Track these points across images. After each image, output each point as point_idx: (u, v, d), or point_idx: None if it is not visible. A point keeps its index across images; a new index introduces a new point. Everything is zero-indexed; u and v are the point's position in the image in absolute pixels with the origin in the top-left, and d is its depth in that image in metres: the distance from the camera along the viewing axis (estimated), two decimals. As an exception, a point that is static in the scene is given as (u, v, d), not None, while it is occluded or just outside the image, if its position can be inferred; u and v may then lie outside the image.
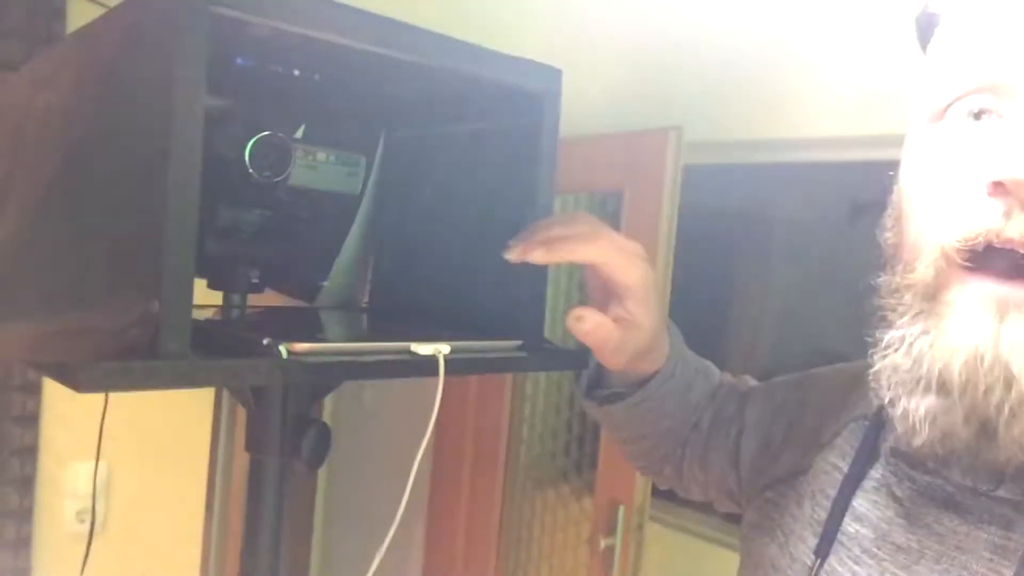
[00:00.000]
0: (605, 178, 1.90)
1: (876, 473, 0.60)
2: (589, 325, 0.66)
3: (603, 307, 0.68)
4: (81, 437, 1.69)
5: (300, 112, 0.79)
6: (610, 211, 1.98)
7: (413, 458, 0.53)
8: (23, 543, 1.74)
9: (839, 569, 0.59)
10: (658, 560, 1.97)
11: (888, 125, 1.66)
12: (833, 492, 0.62)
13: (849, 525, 0.59)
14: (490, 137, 0.73)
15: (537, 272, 0.69)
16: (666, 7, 1.93)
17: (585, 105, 1.83)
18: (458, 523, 2.26)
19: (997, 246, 0.47)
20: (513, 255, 0.65)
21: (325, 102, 0.78)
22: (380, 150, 0.82)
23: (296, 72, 0.74)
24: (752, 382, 0.84)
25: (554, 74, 0.68)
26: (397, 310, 0.81)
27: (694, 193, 1.88)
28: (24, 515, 1.73)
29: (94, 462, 1.73)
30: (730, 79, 1.82)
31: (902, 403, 0.51)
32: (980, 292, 0.48)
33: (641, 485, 1.83)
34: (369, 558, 0.54)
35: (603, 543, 1.86)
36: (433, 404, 0.53)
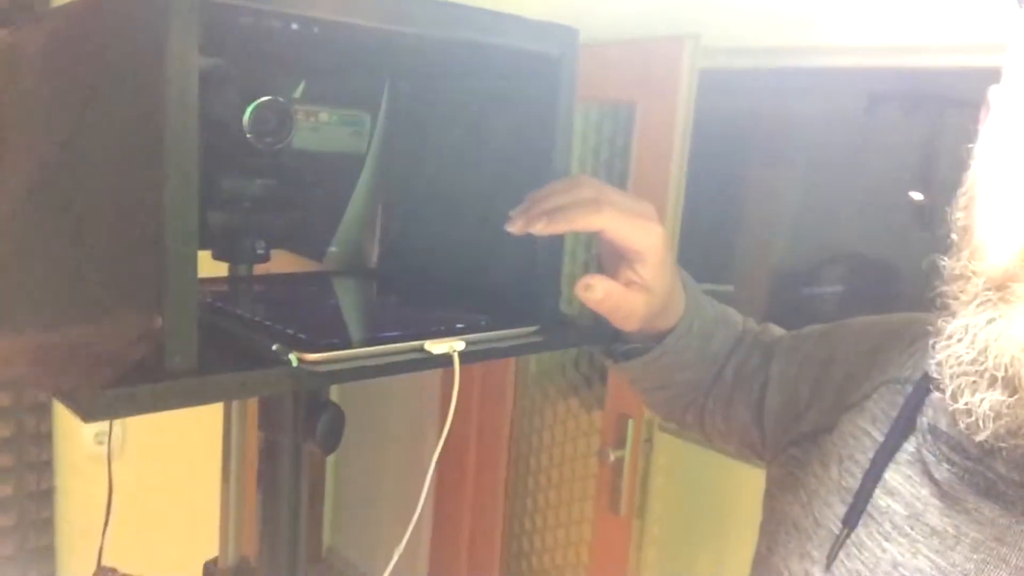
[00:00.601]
0: (617, 89, 1.84)
1: (911, 447, 0.58)
2: (599, 293, 0.64)
3: (614, 272, 0.66)
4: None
5: (299, 70, 0.74)
6: (622, 122, 1.92)
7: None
8: (45, 466, 1.78)
9: (867, 543, 0.57)
10: (666, 468, 2.01)
11: (908, 33, 1.59)
12: (864, 460, 0.60)
13: (880, 498, 0.58)
14: (504, 98, 0.69)
15: (552, 240, 0.66)
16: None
17: (597, 10, 1.75)
18: (469, 435, 2.30)
19: None
20: (515, 228, 0.62)
21: (325, 58, 0.74)
22: (384, 102, 0.78)
23: (294, 26, 0.70)
24: (776, 331, 0.82)
25: (571, 35, 0.63)
26: (408, 274, 0.78)
27: (708, 97, 1.82)
28: (44, 439, 1.76)
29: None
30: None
31: (965, 397, 0.48)
32: None
33: (651, 400, 1.85)
34: (380, 524, 0.54)
35: (612, 456, 1.89)
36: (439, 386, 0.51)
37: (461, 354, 0.56)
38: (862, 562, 0.57)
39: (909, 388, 0.61)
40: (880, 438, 0.60)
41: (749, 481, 1.94)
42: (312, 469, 0.72)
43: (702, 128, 1.81)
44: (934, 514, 0.54)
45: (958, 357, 0.48)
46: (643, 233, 0.63)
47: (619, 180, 1.93)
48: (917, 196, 3.61)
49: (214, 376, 0.48)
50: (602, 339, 0.72)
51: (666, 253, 0.66)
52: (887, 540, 0.56)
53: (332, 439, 0.64)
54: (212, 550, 0.81)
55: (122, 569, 0.78)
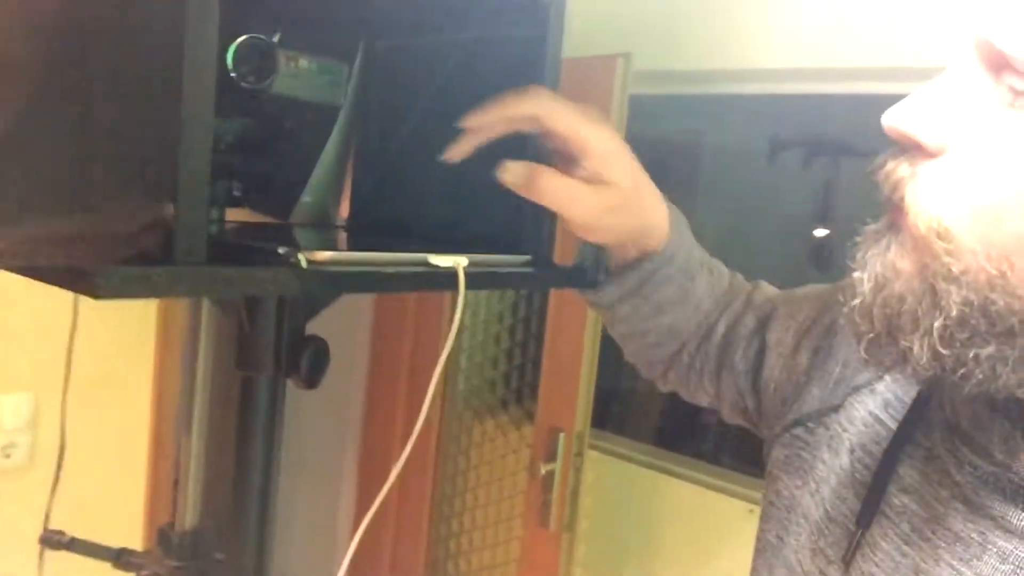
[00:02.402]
0: (550, 106, 1.88)
1: (927, 442, 0.54)
2: (515, 177, 0.60)
3: (562, 169, 0.62)
4: (3, 369, 1.60)
5: (278, 17, 0.74)
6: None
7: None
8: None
9: (883, 544, 0.54)
10: (595, 486, 2.02)
11: (832, 59, 1.70)
12: (877, 451, 0.57)
13: (895, 496, 0.54)
14: (488, 48, 0.70)
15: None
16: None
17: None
18: (392, 454, 2.27)
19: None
20: (456, 153, 0.63)
21: (305, 6, 0.74)
22: (359, 60, 0.78)
23: (276, -29, 0.70)
24: (769, 290, 0.79)
25: (561, -18, 0.66)
26: (376, 229, 0.78)
27: (638, 123, 1.88)
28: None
29: (17, 394, 1.65)
30: (680, 10, 1.82)
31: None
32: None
33: (582, 412, 1.86)
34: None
35: (543, 469, 1.89)
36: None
37: (466, 274, 0.56)
38: (876, 564, 0.54)
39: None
40: (893, 426, 0.57)
41: (678, 498, 1.98)
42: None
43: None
44: (956, 519, 0.50)
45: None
46: (585, 121, 0.61)
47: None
48: (820, 233, 3.79)
49: (224, 268, 0.47)
50: (594, 282, 0.72)
51: (620, 147, 0.63)
52: (906, 543, 0.52)
53: (317, 373, 0.63)
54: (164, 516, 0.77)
55: (69, 533, 0.74)
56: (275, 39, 0.75)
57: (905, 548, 0.52)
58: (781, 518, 0.64)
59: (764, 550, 0.65)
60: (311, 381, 0.63)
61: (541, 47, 0.66)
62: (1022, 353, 0.42)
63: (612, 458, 2.09)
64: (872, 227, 0.48)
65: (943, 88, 0.45)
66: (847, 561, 0.55)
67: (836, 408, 0.63)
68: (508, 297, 2.13)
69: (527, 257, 0.63)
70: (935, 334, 0.43)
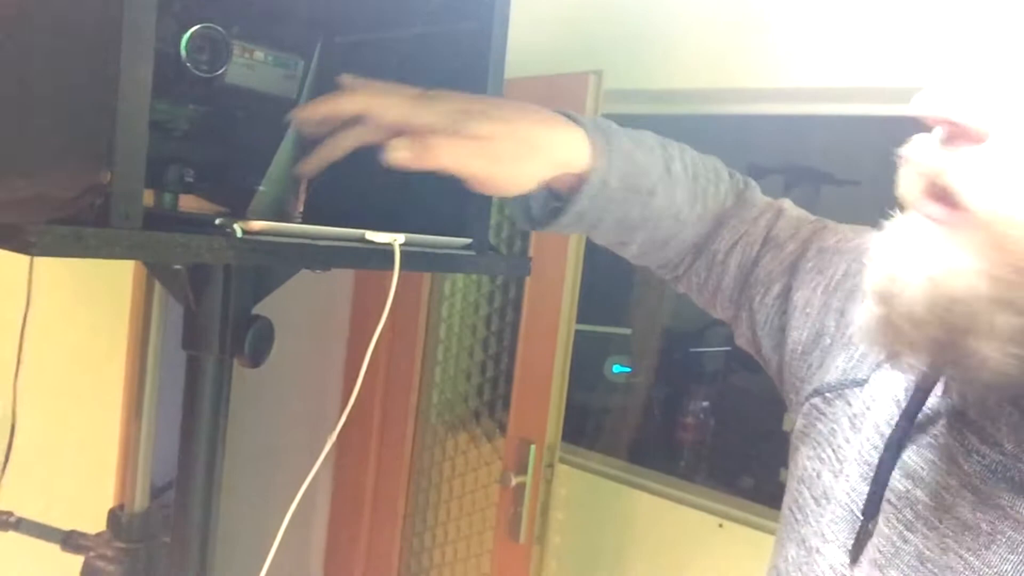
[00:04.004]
0: (524, 122, 1.91)
1: (934, 429, 0.52)
2: (435, 149, 0.59)
3: None
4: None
5: (236, 10, 0.76)
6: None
7: (322, 405, 0.52)
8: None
9: (884, 530, 0.52)
10: (565, 499, 2.02)
11: (809, 78, 1.73)
12: (880, 439, 0.55)
13: (899, 482, 0.52)
14: (436, 41, 0.73)
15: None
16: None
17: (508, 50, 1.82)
18: (367, 469, 2.26)
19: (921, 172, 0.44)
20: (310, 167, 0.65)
21: (263, 2, 0.76)
22: (316, 57, 0.80)
23: (234, -33, 0.72)
24: (795, 219, 0.74)
25: (504, -25, 0.68)
26: (334, 222, 0.79)
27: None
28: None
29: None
30: (652, 28, 1.85)
31: (855, 312, 0.48)
32: (919, 211, 0.45)
33: (553, 424, 1.87)
34: (274, 487, 0.54)
35: (514, 481, 1.89)
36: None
37: (402, 252, 0.57)
38: (879, 550, 0.52)
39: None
40: (895, 415, 0.55)
41: (650, 513, 1.98)
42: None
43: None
44: (965, 507, 0.49)
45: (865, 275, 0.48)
46: (416, 101, 0.62)
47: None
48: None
49: (159, 233, 0.49)
50: (526, 270, 0.74)
51: (471, 104, 0.62)
52: (910, 530, 0.51)
53: (261, 352, 0.64)
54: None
55: (18, 513, 0.75)
56: (233, 31, 0.77)
57: (908, 535, 0.51)
58: (795, 492, 0.62)
59: (783, 522, 0.63)
60: (255, 360, 0.64)
61: (487, 40, 0.68)
62: None
63: (585, 473, 2.10)
64: (904, 219, 0.46)
65: (978, 70, 0.42)
66: (855, 552, 0.54)
67: (860, 383, 0.60)
68: (481, 310, 2.14)
69: (467, 241, 0.64)
70: (1008, 334, 0.41)
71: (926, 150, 0.44)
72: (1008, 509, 0.47)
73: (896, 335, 0.45)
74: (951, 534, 0.49)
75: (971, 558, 0.47)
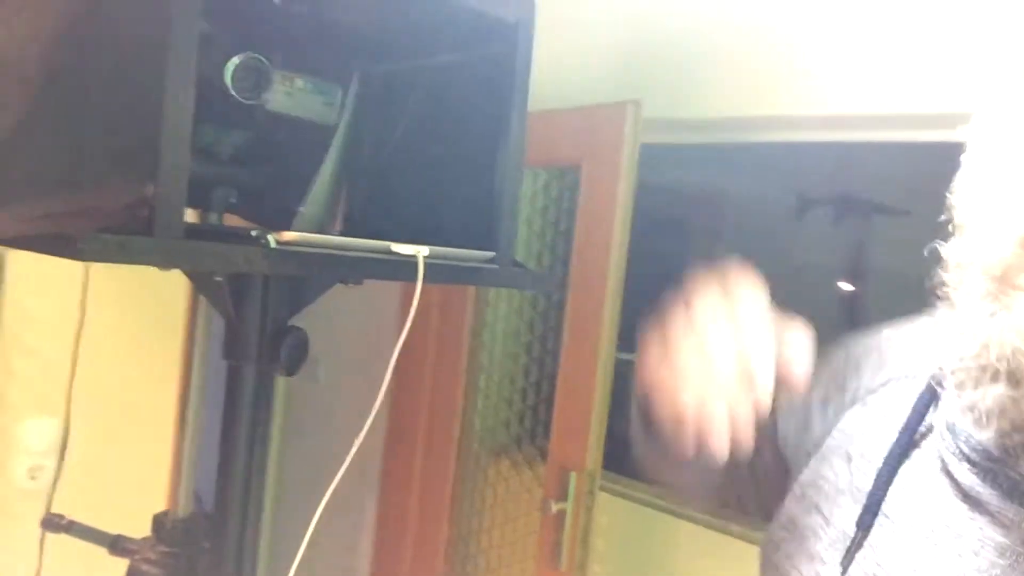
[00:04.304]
0: (565, 152, 1.94)
1: (927, 445, 0.55)
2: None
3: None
4: (37, 394, 1.67)
5: (279, 41, 0.81)
6: (568, 184, 2.02)
7: (369, 432, 0.55)
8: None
9: (882, 544, 0.54)
10: (607, 527, 2.02)
11: (846, 106, 1.73)
12: (876, 459, 0.57)
13: (894, 498, 0.54)
14: (464, 68, 0.76)
15: (508, 199, 0.72)
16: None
17: (546, 82, 1.87)
18: (411, 496, 2.29)
19: None
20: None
21: (304, 32, 0.80)
22: (355, 86, 0.84)
23: (277, 1, 0.77)
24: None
25: (528, 4, 0.71)
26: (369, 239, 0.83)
27: (651, 173, 1.93)
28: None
29: (48, 419, 1.72)
30: (691, 57, 1.87)
31: (968, 391, 0.47)
32: None
33: (593, 452, 1.88)
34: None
35: (554, 508, 1.90)
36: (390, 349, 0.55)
37: (427, 264, 0.60)
38: (877, 563, 0.54)
39: (919, 385, 0.58)
40: (892, 436, 0.57)
41: (692, 541, 1.96)
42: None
43: (647, 203, 1.91)
44: (955, 516, 0.51)
45: (961, 351, 0.47)
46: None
47: (564, 239, 2.01)
48: (847, 287, 3.77)
49: (198, 243, 0.52)
50: (551, 286, 0.76)
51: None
52: (904, 541, 0.53)
53: (295, 361, 0.68)
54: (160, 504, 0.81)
55: (70, 516, 0.79)
56: (276, 61, 0.82)
57: (903, 545, 0.52)
58: (772, 533, 0.64)
59: (761, 564, 0.65)
60: (290, 369, 0.67)
61: (511, 64, 0.71)
62: None
63: (627, 501, 2.09)
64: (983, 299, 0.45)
65: None
66: (845, 564, 0.55)
67: (829, 431, 0.64)
68: (523, 337, 2.16)
69: (491, 254, 0.67)
70: None
71: None
72: (996, 515, 0.49)
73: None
74: (942, 541, 0.50)
75: (961, 563, 0.49)
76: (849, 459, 0.60)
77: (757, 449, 0.71)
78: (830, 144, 1.90)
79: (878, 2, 1.61)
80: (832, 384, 0.67)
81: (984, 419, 0.47)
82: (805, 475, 0.64)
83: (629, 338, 2.30)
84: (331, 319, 2.48)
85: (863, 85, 1.66)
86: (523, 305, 2.12)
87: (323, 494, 0.66)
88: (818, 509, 0.60)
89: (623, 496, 2.10)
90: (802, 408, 0.68)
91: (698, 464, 0.68)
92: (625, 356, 2.05)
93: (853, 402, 0.64)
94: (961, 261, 0.49)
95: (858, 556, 0.55)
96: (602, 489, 1.94)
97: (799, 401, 0.68)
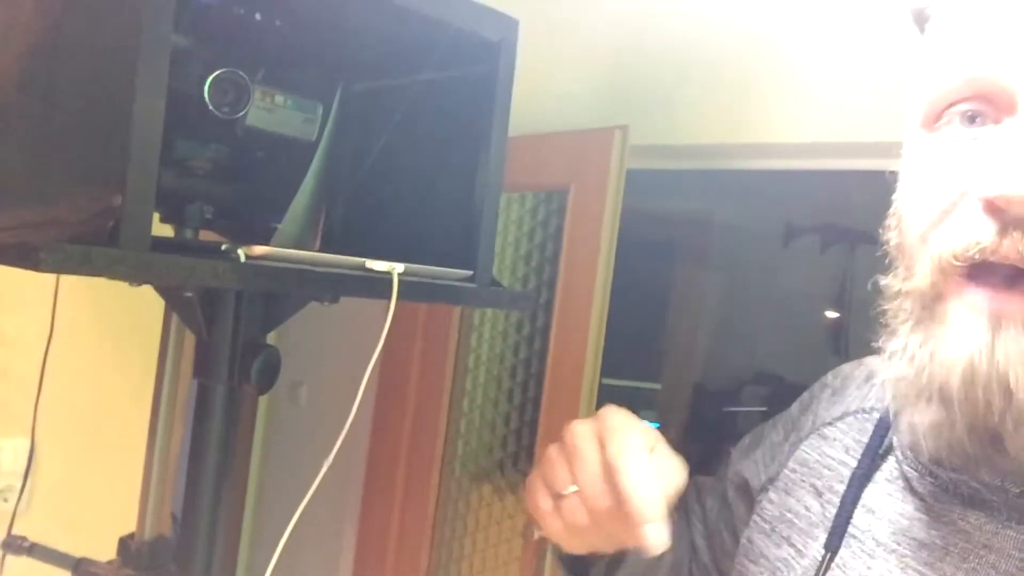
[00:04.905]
0: (552, 176, 1.94)
1: (889, 467, 0.58)
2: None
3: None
4: (7, 413, 1.64)
5: (259, 57, 0.80)
6: (555, 208, 2.02)
7: (349, 455, 0.54)
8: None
9: (851, 563, 0.56)
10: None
11: (833, 134, 1.73)
12: (841, 487, 0.59)
13: (861, 518, 0.57)
14: (445, 86, 0.76)
15: (487, 218, 0.71)
16: (625, 11, 1.99)
17: (535, 106, 1.87)
18: (391, 521, 2.26)
19: (992, 260, 0.45)
20: None
21: (285, 49, 0.80)
22: (336, 103, 0.84)
23: (258, 16, 0.76)
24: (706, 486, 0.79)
25: (511, 23, 0.71)
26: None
27: (638, 198, 1.93)
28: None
29: (17, 439, 1.69)
30: (679, 83, 1.88)
31: (907, 414, 0.50)
32: (975, 304, 0.46)
33: (576, 477, 1.86)
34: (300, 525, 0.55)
35: (537, 534, 1.87)
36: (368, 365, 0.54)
37: (401, 281, 0.59)
38: None
39: (876, 416, 0.61)
40: (854, 462, 0.60)
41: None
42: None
43: (634, 228, 1.91)
44: (920, 528, 0.53)
45: (899, 376, 0.50)
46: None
47: (551, 263, 2.01)
48: (832, 315, 3.77)
49: (165, 255, 0.51)
50: (528, 304, 0.75)
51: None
52: (872, 557, 0.55)
53: (267, 379, 0.66)
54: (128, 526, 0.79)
55: (32, 537, 0.76)
56: (257, 76, 0.81)
57: (871, 562, 0.55)
58: (738, 566, 0.65)
59: None
60: (261, 388, 0.66)
61: (492, 83, 0.71)
62: None
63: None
64: (963, 315, 0.47)
65: None
66: None
67: (781, 467, 0.66)
68: (507, 362, 2.15)
69: (468, 273, 0.66)
70: None
71: (978, 236, 0.45)
72: (959, 522, 0.51)
73: (988, 431, 0.46)
74: (909, 553, 0.53)
75: (928, 571, 0.52)
76: (819, 494, 0.62)
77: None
78: (817, 172, 1.91)
79: (867, 30, 1.62)
80: (790, 421, 0.71)
81: (921, 439, 0.49)
82: (769, 509, 0.65)
83: (614, 363, 2.30)
84: (314, 343, 2.46)
85: (851, 112, 1.66)
86: (508, 329, 2.10)
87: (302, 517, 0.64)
88: (789, 542, 0.62)
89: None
90: (769, 447, 0.71)
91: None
92: (610, 382, 2.03)
93: (809, 435, 0.66)
94: (898, 289, 0.52)
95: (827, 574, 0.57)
96: (585, 516, 1.92)
97: (764, 441, 0.72)
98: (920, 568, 0.52)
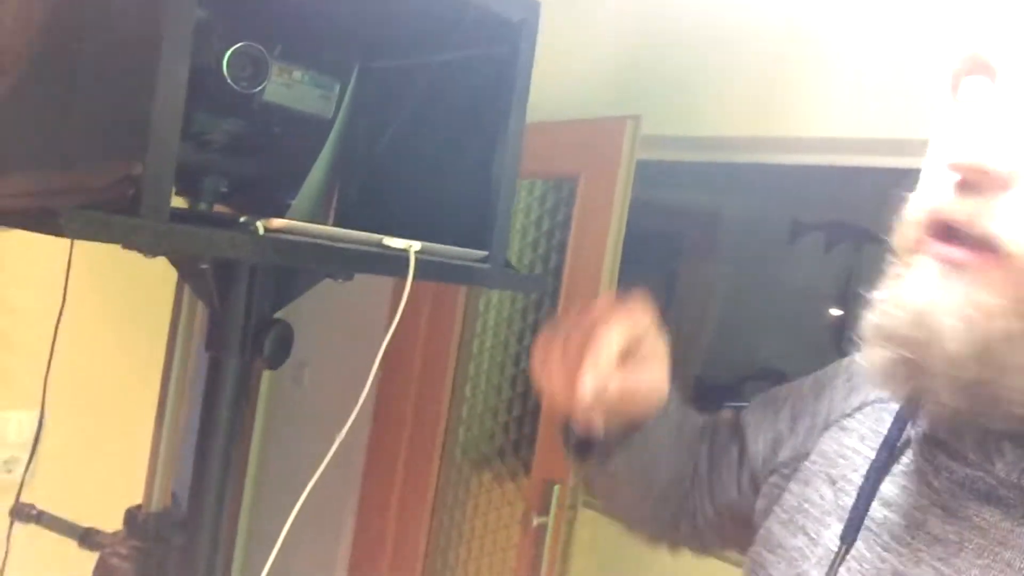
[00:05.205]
0: (562, 164, 1.94)
1: (906, 459, 0.58)
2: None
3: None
4: (17, 385, 1.65)
5: (278, 32, 0.80)
6: (564, 196, 2.02)
7: (351, 438, 0.54)
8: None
9: (867, 555, 0.56)
10: (588, 543, 2.00)
11: (841, 129, 1.73)
12: (858, 478, 0.60)
13: (877, 511, 0.57)
14: (465, 67, 0.75)
15: (504, 200, 0.71)
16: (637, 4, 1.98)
17: (548, 93, 1.86)
18: (391, 504, 2.26)
19: (946, 220, 0.48)
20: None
21: (303, 25, 0.79)
22: (353, 80, 0.83)
23: (277, -10, 0.76)
24: (728, 413, 0.82)
25: (533, 4, 0.71)
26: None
27: (647, 189, 1.92)
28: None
29: (23, 412, 1.70)
30: (691, 75, 1.87)
31: (866, 351, 0.51)
32: (930, 258, 0.48)
33: (577, 466, 1.86)
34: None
35: (536, 521, 1.88)
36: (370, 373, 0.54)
37: (418, 260, 0.59)
38: (861, 574, 0.56)
39: (894, 406, 0.61)
40: (871, 455, 0.60)
41: (672, 561, 1.95)
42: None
43: (642, 219, 1.90)
44: (935, 522, 0.53)
45: (869, 322, 0.51)
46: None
47: (558, 250, 2.00)
48: (836, 312, 3.77)
49: (184, 226, 0.51)
50: (541, 287, 0.75)
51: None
52: (886, 550, 0.55)
53: (280, 354, 0.66)
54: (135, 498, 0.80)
55: (40, 506, 0.77)
56: (276, 51, 0.81)
57: (885, 555, 0.55)
58: (755, 556, 0.66)
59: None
60: (273, 362, 0.66)
61: (512, 63, 0.70)
62: None
63: (609, 517, 2.07)
64: (909, 267, 0.49)
65: (998, 117, 0.46)
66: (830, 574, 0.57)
67: (807, 454, 0.67)
68: (511, 348, 2.15)
69: (483, 253, 0.66)
70: None
71: (941, 198, 0.48)
72: (975, 518, 0.51)
73: (925, 375, 0.48)
74: (924, 548, 0.53)
75: (942, 567, 0.51)
76: (833, 482, 0.62)
77: (696, 500, 0.80)
78: (825, 168, 1.90)
79: (878, 27, 1.61)
80: (800, 407, 0.72)
81: (878, 377, 0.51)
82: (788, 499, 0.66)
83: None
84: (319, 324, 2.46)
85: (861, 109, 1.66)
86: (513, 316, 2.10)
87: (300, 493, 0.64)
88: (804, 531, 0.62)
89: (603, 511, 2.08)
90: (771, 430, 0.73)
91: (631, 492, 0.79)
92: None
93: (827, 426, 0.67)
94: (895, 248, 0.53)
95: (841, 569, 0.57)
96: (584, 504, 1.93)
97: (767, 423, 0.73)
98: (934, 563, 0.52)
